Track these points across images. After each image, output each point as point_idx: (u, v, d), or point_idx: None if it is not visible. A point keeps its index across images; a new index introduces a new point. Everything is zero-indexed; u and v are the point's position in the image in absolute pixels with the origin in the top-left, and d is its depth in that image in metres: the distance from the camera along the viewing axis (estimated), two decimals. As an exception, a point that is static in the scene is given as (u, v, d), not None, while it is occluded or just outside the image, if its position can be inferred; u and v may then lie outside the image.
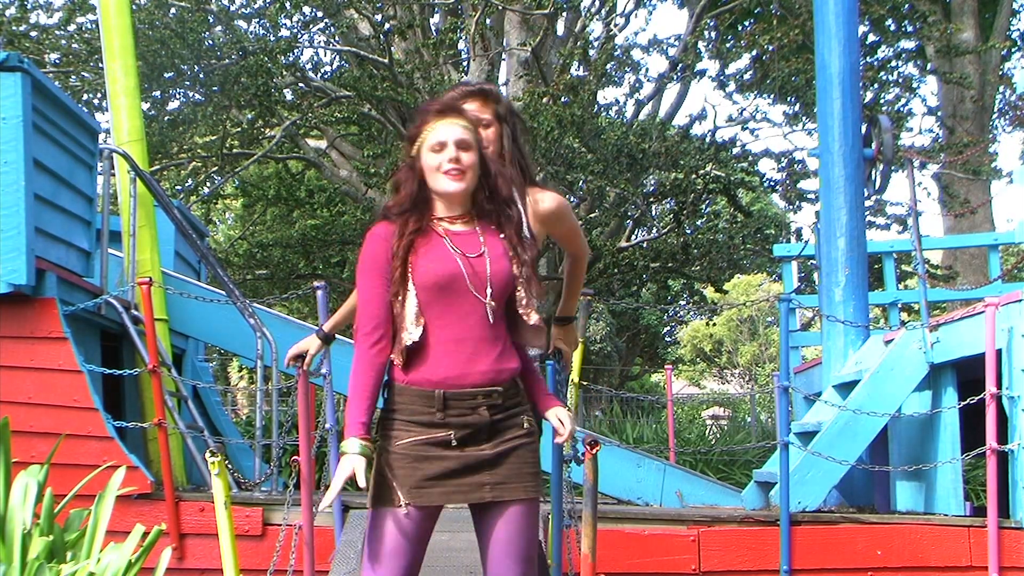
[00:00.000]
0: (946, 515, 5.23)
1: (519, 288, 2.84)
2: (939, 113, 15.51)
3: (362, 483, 2.68)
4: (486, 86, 3.29)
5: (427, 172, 2.84)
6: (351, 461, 2.68)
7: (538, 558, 2.96)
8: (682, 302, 19.16)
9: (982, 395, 4.98)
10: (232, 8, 13.61)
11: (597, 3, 13.88)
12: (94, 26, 12.03)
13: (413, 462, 2.72)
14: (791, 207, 15.38)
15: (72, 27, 13.01)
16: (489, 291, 2.79)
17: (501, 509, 2.76)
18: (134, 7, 9.30)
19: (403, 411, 2.76)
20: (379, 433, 2.80)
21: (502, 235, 2.88)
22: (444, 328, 2.76)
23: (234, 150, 14.59)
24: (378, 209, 13.95)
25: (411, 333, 2.74)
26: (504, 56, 13.48)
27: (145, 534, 3.12)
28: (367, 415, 2.75)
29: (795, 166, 14.25)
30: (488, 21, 13.08)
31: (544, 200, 3.35)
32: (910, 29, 14.57)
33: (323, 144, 15.59)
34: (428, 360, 2.74)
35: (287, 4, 12.35)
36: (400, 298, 2.77)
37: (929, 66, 15.15)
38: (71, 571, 2.92)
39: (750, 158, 14.13)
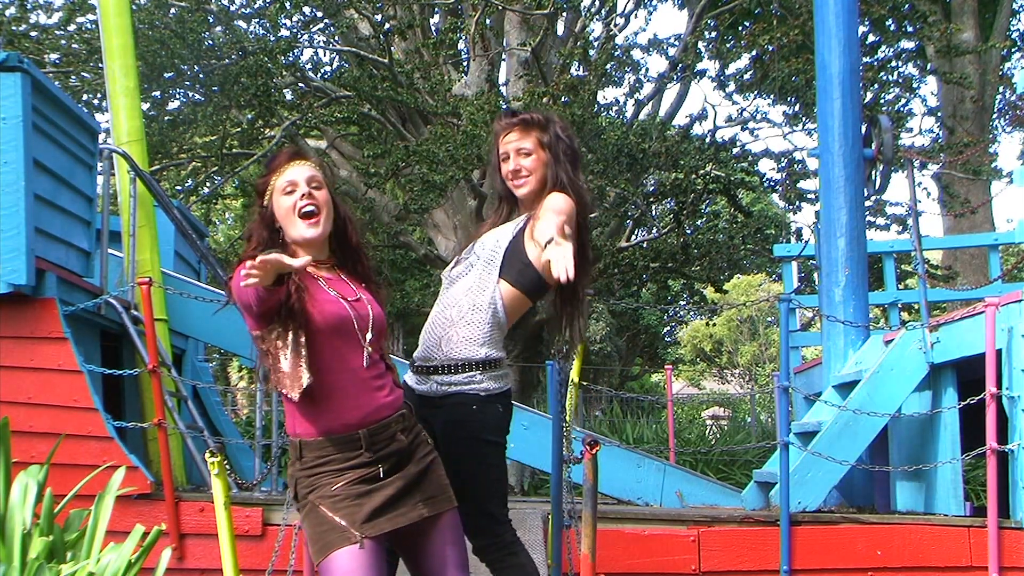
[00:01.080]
0: (946, 515, 5.23)
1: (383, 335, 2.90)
2: (939, 113, 15.51)
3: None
4: (526, 115, 3.26)
5: (282, 219, 2.82)
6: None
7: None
8: (682, 302, 19.15)
9: (982, 395, 4.98)
10: (232, 8, 13.60)
11: (597, 3, 13.87)
12: (94, 26, 12.03)
13: (354, 501, 2.71)
14: (791, 207, 15.37)
15: (72, 27, 13.00)
16: (369, 335, 2.81)
17: (435, 522, 2.82)
18: (134, 7, 9.30)
19: (329, 462, 2.73)
20: (305, 490, 2.77)
21: (363, 283, 2.91)
22: (336, 371, 2.75)
23: (234, 150, 14.59)
24: (378, 209, 13.99)
25: (298, 384, 2.69)
26: (504, 56, 13.47)
27: (145, 534, 3.12)
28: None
29: (795, 166, 14.24)
30: (488, 21, 13.08)
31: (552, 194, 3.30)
32: (910, 29, 14.56)
33: (323, 144, 15.58)
34: (333, 408, 2.73)
35: (287, 4, 12.35)
36: (286, 343, 2.70)
37: (929, 66, 15.14)
38: (71, 571, 2.92)
39: (750, 158, 14.12)
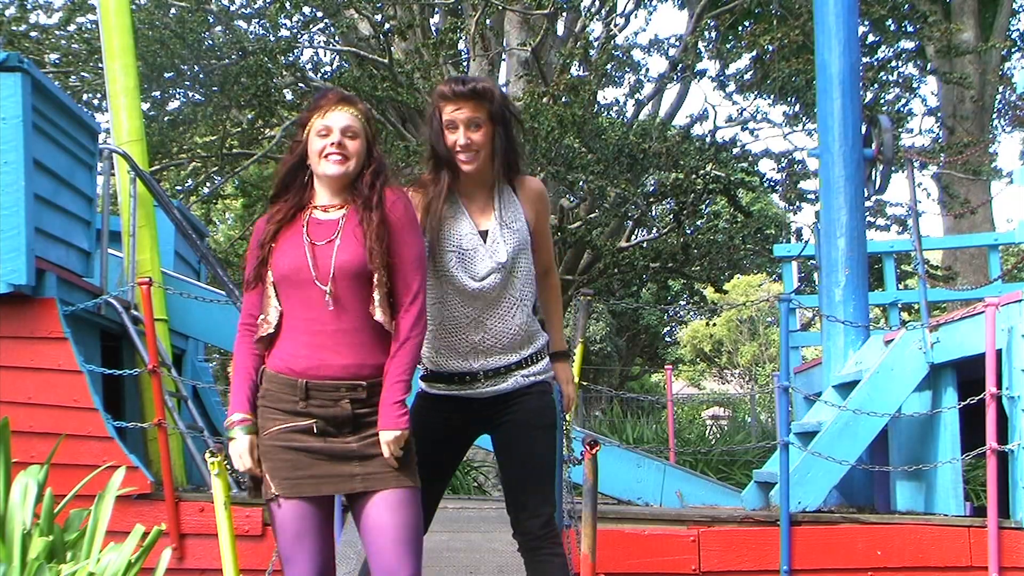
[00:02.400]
0: (946, 515, 5.23)
1: (374, 280, 2.81)
2: (939, 113, 15.51)
3: (242, 465, 2.79)
4: (478, 86, 3.19)
5: (311, 156, 2.88)
6: (234, 449, 2.79)
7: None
8: (682, 302, 19.15)
9: (982, 395, 4.98)
10: (232, 8, 13.61)
11: (597, 3, 13.88)
12: (94, 26, 12.03)
13: (281, 452, 2.76)
14: (791, 207, 15.37)
15: (72, 27, 13.01)
16: (331, 282, 2.78)
17: (375, 499, 2.77)
18: (134, 7, 9.31)
19: (270, 397, 2.80)
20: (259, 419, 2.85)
21: (371, 221, 2.84)
22: (298, 319, 2.80)
23: (234, 150, 14.59)
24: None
25: (268, 324, 2.81)
26: (504, 56, 13.48)
27: (145, 534, 3.11)
28: (249, 392, 2.82)
29: (795, 166, 14.24)
30: (488, 21, 13.08)
31: (531, 180, 3.35)
32: (910, 29, 14.57)
33: (323, 144, 15.57)
34: (288, 350, 2.79)
35: (287, 4, 12.35)
36: (261, 286, 2.84)
37: (929, 66, 15.15)
38: (71, 571, 2.92)
39: (750, 158, 14.12)
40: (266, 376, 2.82)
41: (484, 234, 3.21)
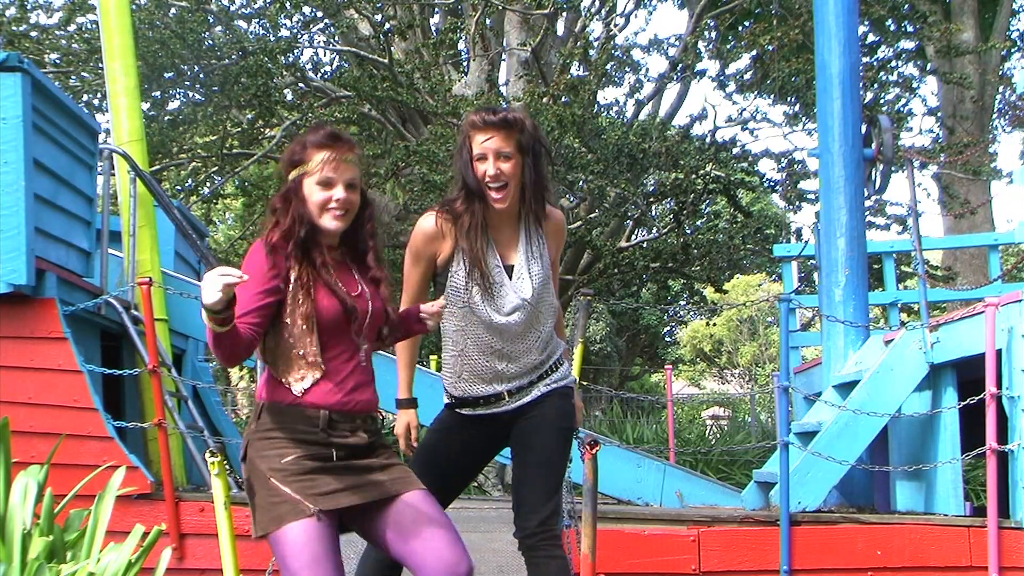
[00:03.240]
0: (946, 515, 5.23)
1: (385, 326, 2.93)
2: (939, 113, 15.51)
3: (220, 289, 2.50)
4: (509, 116, 3.19)
5: (310, 204, 2.81)
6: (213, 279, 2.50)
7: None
8: (682, 302, 19.16)
9: (982, 395, 4.98)
10: (232, 8, 13.61)
11: (597, 3, 13.89)
12: (94, 26, 12.04)
13: (306, 475, 2.70)
14: (791, 207, 15.38)
15: (72, 27, 13.01)
16: (364, 332, 2.85)
17: (398, 499, 2.77)
18: (134, 7, 9.30)
19: (284, 430, 2.74)
20: (255, 454, 2.76)
21: (369, 274, 2.91)
22: (332, 361, 2.79)
23: (234, 150, 14.60)
24: (378, 209, 13.98)
25: (313, 368, 2.75)
26: (504, 56, 13.48)
27: (145, 534, 3.11)
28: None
29: (795, 166, 14.26)
30: (488, 21, 13.09)
31: (554, 213, 3.35)
32: (910, 29, 14.57)
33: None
34: (319, 387, 2.75)
35: (287, 4, 12.36)
36: (300, 327, 2.75)
37: (929, 66, 15.15)
38: (71, 571, 2.92)
39: (750, 158, 14.13)
40: (277, 410, 2.76)
41: (510, 269, 3.22)
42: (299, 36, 13.57)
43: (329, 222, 2.80)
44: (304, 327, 2.75)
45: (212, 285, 2.47)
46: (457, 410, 3.31)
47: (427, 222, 3.26)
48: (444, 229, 3.21)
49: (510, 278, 3.21)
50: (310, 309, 2.74)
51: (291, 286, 2.76)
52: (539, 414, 3.24)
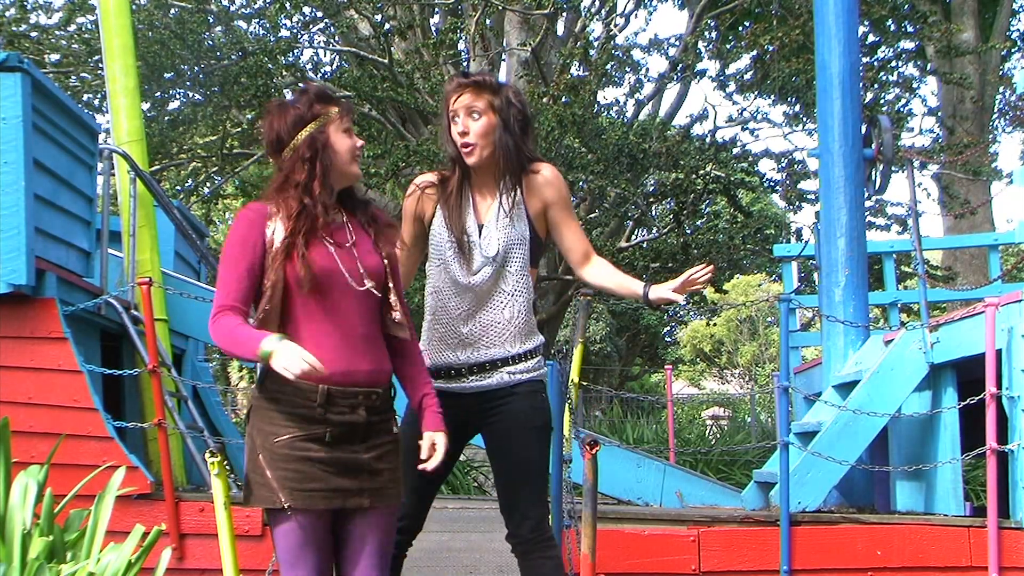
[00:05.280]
0: (946, 515, 5.23)
1: (389, 285, 2.83)
2: (939, 113, 15.51)
3: (303, 364, 2.54)
4: (479, 77, 3.21)
5: (342, 151, 2.80)
6: (289, 352, 2.54)
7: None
8: (682, 302, 19.14)
9: (982, 395, 4.98)
10: (232, 8, 13.61)
11: (597, 3, 13.88)
12: (94, 26, 12.03)
13: (292, 463, 2.67)
14: (791, 207, 15.37)
15: (72, 27, 13.01)
16: (369, 283, 2.76)
17: (370, 514, 2.76)
18: (134, 7, 9.31)
19: (283, 402, 2.70)
20: (253, 424, 2.74)
21: (378, 226, 2.87)
22: (323, 323, 2.72)
23: (234, 150, 14.60)
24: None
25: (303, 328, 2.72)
26: (504, 56, 13.49)
27: (145, 534, 3.12)
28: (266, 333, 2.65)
29: (795, 166, 14.25)
30: (488, 21, 13.08)
31: (537, 169, 3.27)
32: (910, 29, 14.57)
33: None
34: (313, 353, 2.62)
35: (287, 4, 12.35)
36: (280, 287, 2.70)
37: (929, 66, 15.15)
38: (71, 571, 2.93)
39: (750, 158, 14.13)
40: (273, 380, 2.69)
41: (481, 228, 3.22)
42: (299, 36, 13.57)
43: (357, 168, 2.84)
44: (298, 286, 2.69)
45: (293, 364, 2.52)
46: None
47: (415, 181, 3.33)
48: (428, 190, 3.26)
49: (480, 236, 3.21)
50: (303, 268, 2.69)
51: (281, 245, 2.70)
52: (502, 422, 3.17)
